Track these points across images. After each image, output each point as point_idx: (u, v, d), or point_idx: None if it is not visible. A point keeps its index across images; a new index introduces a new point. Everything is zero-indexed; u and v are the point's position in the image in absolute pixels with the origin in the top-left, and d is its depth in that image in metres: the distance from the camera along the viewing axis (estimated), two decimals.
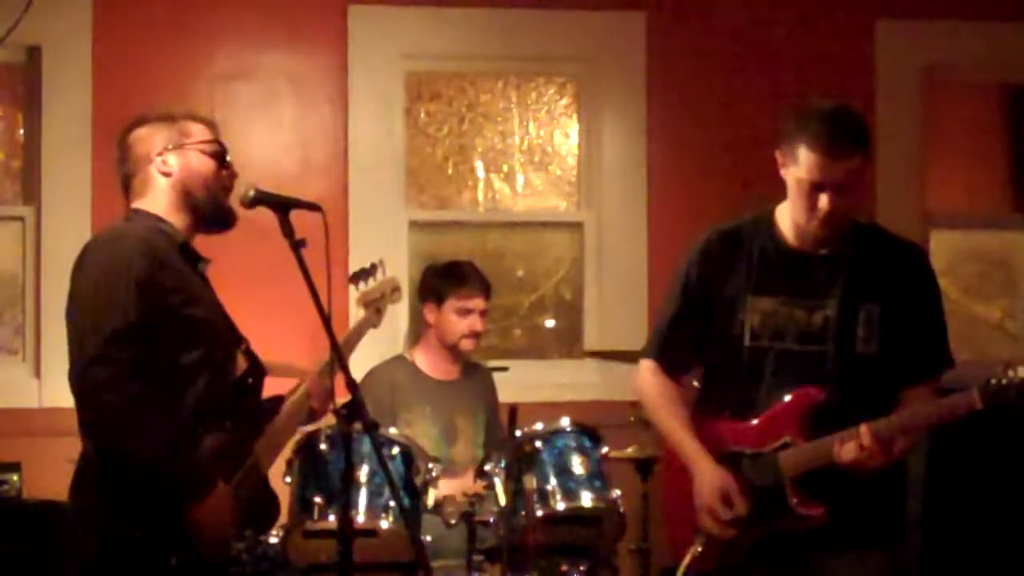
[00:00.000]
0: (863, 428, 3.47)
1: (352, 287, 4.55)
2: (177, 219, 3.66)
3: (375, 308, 4.23)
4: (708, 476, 3.66)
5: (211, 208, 3.68)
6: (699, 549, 3.64)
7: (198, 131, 3.72)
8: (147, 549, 3.43)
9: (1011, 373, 3.37)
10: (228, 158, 3.73)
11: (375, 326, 4.28)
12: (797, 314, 3.66)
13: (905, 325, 3.64)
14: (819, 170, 3.55)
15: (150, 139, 3.69)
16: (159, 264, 3.51)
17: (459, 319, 5.30)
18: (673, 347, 3.85)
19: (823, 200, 3.57)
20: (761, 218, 3.78)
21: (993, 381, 3.37)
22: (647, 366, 3.90)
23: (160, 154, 3.66)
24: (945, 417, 3.47)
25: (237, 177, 3.73)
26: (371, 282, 4.26)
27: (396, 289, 4.35)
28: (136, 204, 3.69)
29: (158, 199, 3.66)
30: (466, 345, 5.33)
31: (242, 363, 3.73)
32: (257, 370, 3.73)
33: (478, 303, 5.32)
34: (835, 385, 3.62)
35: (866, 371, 3.62)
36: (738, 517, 3.61)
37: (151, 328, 3.46)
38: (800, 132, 3.59)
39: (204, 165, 3.68)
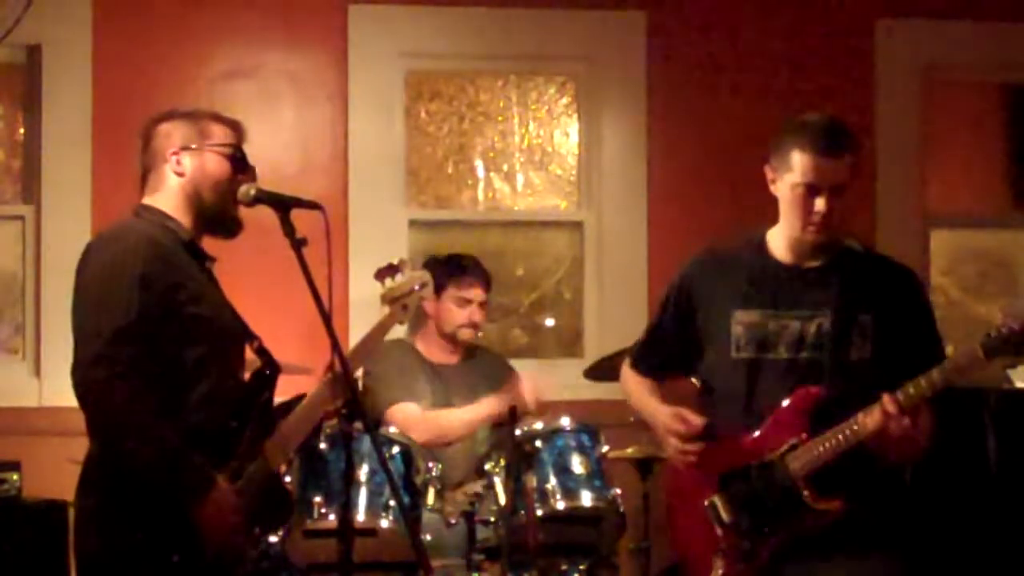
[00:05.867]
0: (885, 396, 3.49)
1: (379, 283, 4.44)
2: (185, 219, 3.63)
3: (401, 304, 4.19)
4: (660, 413, 3.84)
5: (218, 213, 3.64)
6: (720, 572, 3.66)
7: (220, 133, 3.66)
8: (150, 548, 3.43)
9: (1009, 324, 3.39)
10: (249, 163, 3.66)
11: (401, 322, 4.26)
12: (790, 325, 3.69)
13: (898, 333, 3.67)
14: (814, 171, 3.62)
15: (169, 136, 3.64)
16: (163, 261, 3.50)
17: (458, 309, 5.32)
18: (650, 358, 3.98)
19: (819, 203, 3.63)
20: (752, 239, 3.84)
21: (993, 334, 3.41)
22: (627, 371, 4.05)
23: (176, 153, 3.62)
24: (952, 378, 3.47)
25: (256, 181, 3.65)
26: (398, 278, 4.23)
27: (425, 284, 4.31)
28: (147, 199, 3.66)
29: (168, 197, 3.63)
30: (465, 335, 5.34)
31: (255, 362, 3.72)
32: (271, 368, 3.70)
33: (477, 294, 5.34)
34: (831, 390, 3.64)
35: (861, 376, 3.64)
36: (695, 428, 3.75)
37: (154, 326, 3.44)
38: (792, 139, 3.67)
39: (219, 169, 3.63)
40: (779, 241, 3.77)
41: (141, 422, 3.39)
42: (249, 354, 3.74)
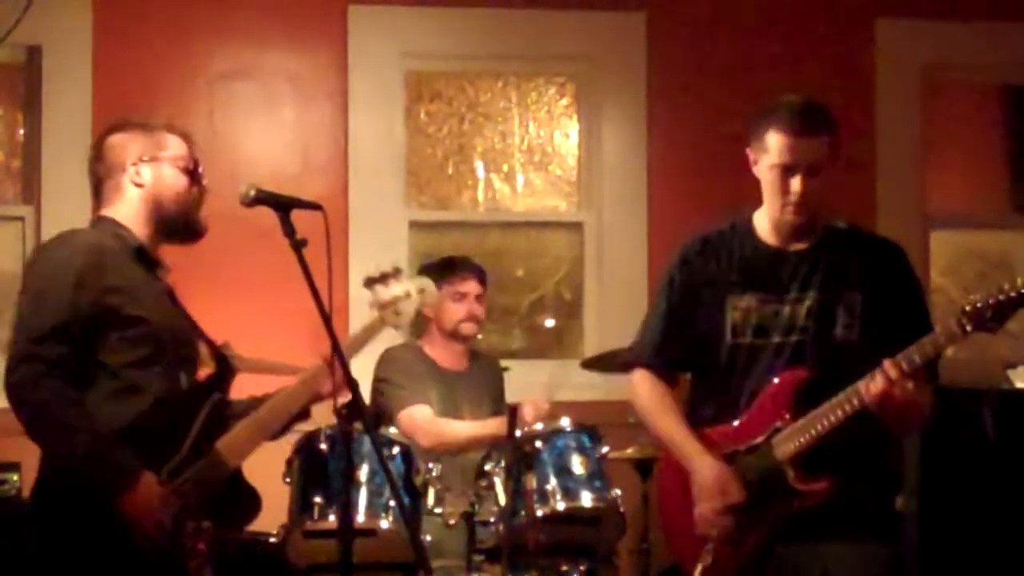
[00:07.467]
0: (886, 361, 3.48)
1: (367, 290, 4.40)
2: (140, 228, 3.69)
3: (392, 310, 4.08)
4: (704, 472, 3.67)
5: (180, 222, 3.72)
6: (709, 560, 3.65)
7: (174, 145, 3.74)
8: (89, 550, 3.48)
9: (985, 299, 3.40)
10: (200, 174, 3.74)
11: (395, 327, 4.15)
12: (781, 309, 3.70)
13: (889, 308, 3.67)
14: (788, 151, 3.65)
15: (125, 147, 3.71)
16: (102, 264, 3.54)
17: (455, 305, 5.33)
18: (663, 353, 3.87)
19: (795, 183, 3.65)
20: (739, 223, 3.85)
21: (968, 307, 3.42)
22: (640, 375, 3.92)
23: (135, 164, 3.69)
24: (931, 353, 3.48)
25: (206, 192, 3.75)
26: (391, 284, 4.14)
27: (423, 290, 4.18)
28: (103, 211, 3.73)
29: (126, 208, 3.70)
30: (466, 329, 5.35)
31: (210, 364, 3.75)
32: (224, 370, 3.74)
33: (472, 287, 5.34)
34: (816, 371, 3.64)
35: (846, 358, 3.63)
36: (733, 504, 3.61)
37: (90, 326, 3.49)
38: (768, 120, 3.71)
39: (176, 180, 3.71)
40: (764, 224, 3.78)
41: (64, 417, 3.44)
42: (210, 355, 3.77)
